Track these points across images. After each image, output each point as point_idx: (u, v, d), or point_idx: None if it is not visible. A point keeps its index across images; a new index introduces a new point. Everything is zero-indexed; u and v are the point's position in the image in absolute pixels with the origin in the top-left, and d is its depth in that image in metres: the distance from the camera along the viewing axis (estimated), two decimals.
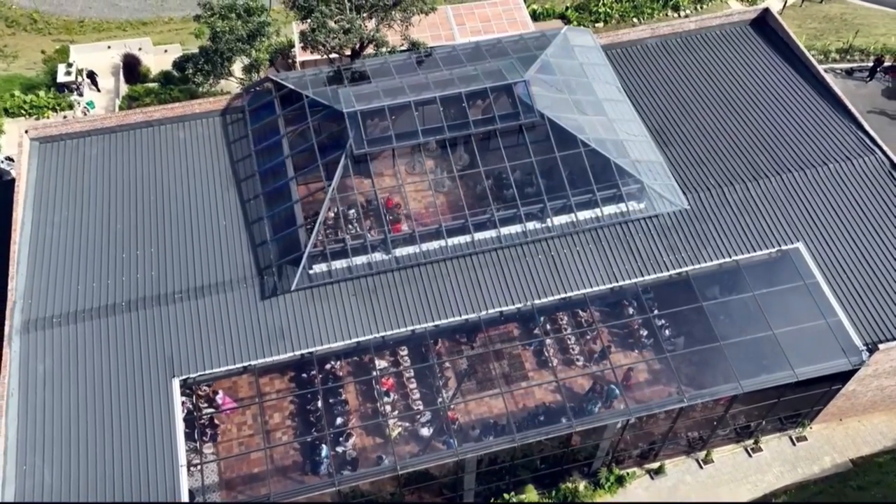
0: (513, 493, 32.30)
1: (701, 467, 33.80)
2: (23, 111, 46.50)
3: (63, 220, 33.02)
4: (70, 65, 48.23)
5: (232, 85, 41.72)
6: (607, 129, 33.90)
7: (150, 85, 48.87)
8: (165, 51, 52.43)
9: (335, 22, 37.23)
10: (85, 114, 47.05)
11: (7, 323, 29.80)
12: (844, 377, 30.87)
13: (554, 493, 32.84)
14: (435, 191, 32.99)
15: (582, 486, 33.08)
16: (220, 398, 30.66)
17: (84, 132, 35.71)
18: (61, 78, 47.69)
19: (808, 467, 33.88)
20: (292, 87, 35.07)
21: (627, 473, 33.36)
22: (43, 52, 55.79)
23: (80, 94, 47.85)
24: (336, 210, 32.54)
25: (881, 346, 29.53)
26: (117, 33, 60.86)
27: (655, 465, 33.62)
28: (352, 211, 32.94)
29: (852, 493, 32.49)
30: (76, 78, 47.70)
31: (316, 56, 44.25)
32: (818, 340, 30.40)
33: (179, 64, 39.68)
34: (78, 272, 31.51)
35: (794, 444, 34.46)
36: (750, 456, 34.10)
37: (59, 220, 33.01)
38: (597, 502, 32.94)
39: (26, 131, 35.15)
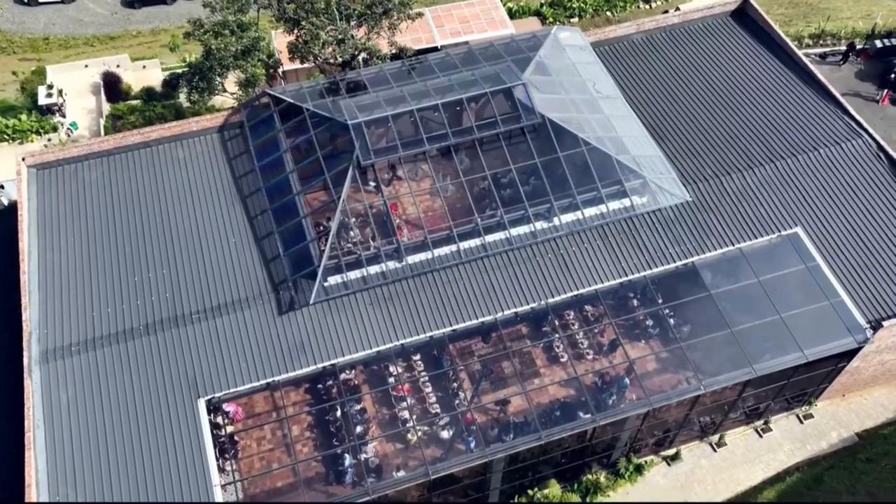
0: (536, 490, 32.94)
1: (715, 451, 34.82)
2: (5, 136, 45.78)
3: (70, 247, 32.76)
4: (50, 86, 47.57)
5: (221, 100, 41.60)
6: (606, 127, 34.60)
7: (133, 102, 48.27)
8: (144, 66, 51.89)
9: (326, 33, 37.37)
10: (69, 135, 46.54)
11: (25, 354, 29.56)
12: (850, 355, 32.01)
13: (576, 485, 33.57)
14: (443, 197, 33.31)
15: (602, 476, 33.85)
16: (231, 411, 30.60)
17: (82, 156, 35.41)
18: (42, 100, 47.03)
19: (816, 443, 35.08)
20: (291, 100, 35.16)
21: (645, 461, 34.23)
22: (14, 73, 54.78)
23: (63, 116, 47.27)
24: (347, 221, 32.76)
25: (885, 324, 30.69)
26: (85, 49, 59.91)
27: (671, 451, 34.56)
28: (362, 221, 33.18)
29: (862, 465, 33.77)
30: (57, 99, 47.09)
31: (302, 66, 44.39)
32: (823, 321, 31.48)
33: (170, 81, 39.47)
34: (91, 298, 31.33)
35: (801, 421, 35.65)
36: (761, 436, 35.21)
37: (65, 247, 32.74)
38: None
39: (23, 158, 34.76)
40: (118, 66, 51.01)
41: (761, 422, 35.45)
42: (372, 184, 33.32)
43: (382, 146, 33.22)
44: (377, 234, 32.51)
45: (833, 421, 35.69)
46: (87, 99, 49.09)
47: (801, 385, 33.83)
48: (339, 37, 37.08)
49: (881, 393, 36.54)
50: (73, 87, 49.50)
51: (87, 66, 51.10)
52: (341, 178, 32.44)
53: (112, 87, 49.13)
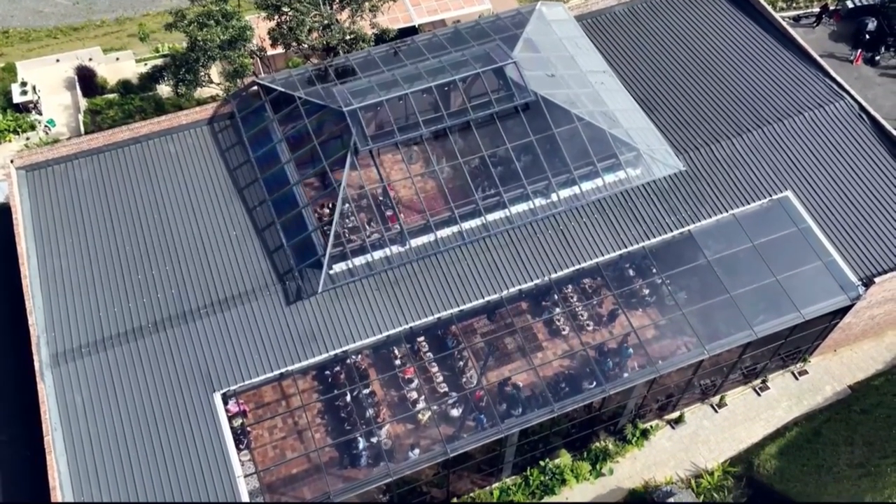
0: (548, 460, 33.73)
1: (716, 411, 35.89)
2: None
3: (69, 249, 32.47)
4: (24, 83, 46.63)
5: (200, 91, 40.98)
6: (597, 101, 35.00)
7: (110, 96, 47.56)
8: (117, 59, 51.04)
9: (312, 18, 37.12)
10: (47, 133, 45.81)
11: (35, 358, 29.41)
12: (843, 312, 33.10)
13: (586, 453, 34.42)
14: (441, 179, 33.48)
15: (611, 444, 34.70)
16: (234, 405, 30.74)
17: (71, 155, 34.97)
18: (17, 98, 46.12)
19: (812, 398, 36.32)
20: (282, 88, 34.95)
21: (651, 426, 35.19)
22: None
23: (40, 113, 46.46)
24: (348, 209, 32.88)
25: (877, 280, 31.76)
26: (49, 42, 58.53)
27: (675, 414, 35.54)
28: (363, 207, 33.34)
29: (857, 416, 35.04)
30: (32, 96, 46.23)
31: (283, 51, 43.98)
32: (817, 281, 32.51)
33: (153, 74, 38.97)
34: (96, 299, 31.18)
35: (796, 378, 36.84)
36: (759, 395, 36.34)
37: (64, 249, 32.44)
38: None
39: (11, 160, 34.26)
40: (90, 59, 50.10)
41: (759, 381, 36.58)
42: (371, 169, 33.37)
43: (379, 131, 33.31)
44: (379, 220, 32.69)
45: (827, 375, 36.94)
46: (61, 95, 48.22)
47: (797, 343, 34.91)
48: (325, 22, 36.85)
49: (870, 346, 37.83)
50: (46, 82, 48.57)
51: (58, 60, 50.07)
52: (339, 165, 32.51)
53: (87, 81, 48.32)
